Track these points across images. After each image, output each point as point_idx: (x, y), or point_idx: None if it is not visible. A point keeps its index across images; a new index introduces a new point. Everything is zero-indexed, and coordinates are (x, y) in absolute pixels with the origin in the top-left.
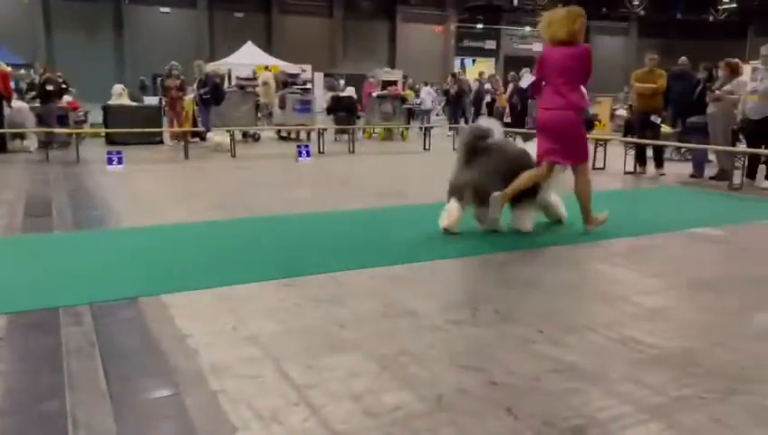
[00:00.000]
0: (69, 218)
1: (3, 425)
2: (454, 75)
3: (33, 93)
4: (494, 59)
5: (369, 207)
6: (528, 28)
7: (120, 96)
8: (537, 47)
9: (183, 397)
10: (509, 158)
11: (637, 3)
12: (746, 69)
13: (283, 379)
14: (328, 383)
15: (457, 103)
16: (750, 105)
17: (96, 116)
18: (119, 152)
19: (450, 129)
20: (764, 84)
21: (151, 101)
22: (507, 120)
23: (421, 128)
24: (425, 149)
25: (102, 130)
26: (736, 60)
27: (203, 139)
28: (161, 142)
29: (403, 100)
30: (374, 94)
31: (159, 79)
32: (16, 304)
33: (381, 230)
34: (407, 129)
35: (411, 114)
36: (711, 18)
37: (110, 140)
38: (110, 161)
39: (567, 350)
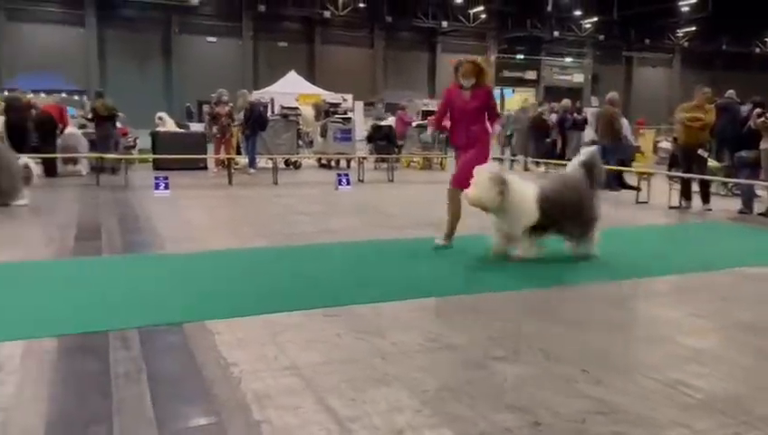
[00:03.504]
0: (117, 242)
1: None
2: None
3: (88, 118)
4: (533, 89)
5: (409, 236)
6: (569, 59)
7: (161, 123)
8: (578, 77)
9: (226, 426)
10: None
11: (681, 34)
12: None
13: (324, 411)
14: (370, 417)
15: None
16: None
17: (144, 142)
18: (165, 178)
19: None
20: None
21: (197, 127)
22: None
23: None
24: None
25: (150, 156)
26: None
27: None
28: (205, 168)
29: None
30: (413, 124)
31: (205, 106)
32: (67, 327)
33: (421, 261)
34: (445, 158)
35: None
36: (758, 50)
37: (157, 165)
38: (156, 186)
39: (612, 391)
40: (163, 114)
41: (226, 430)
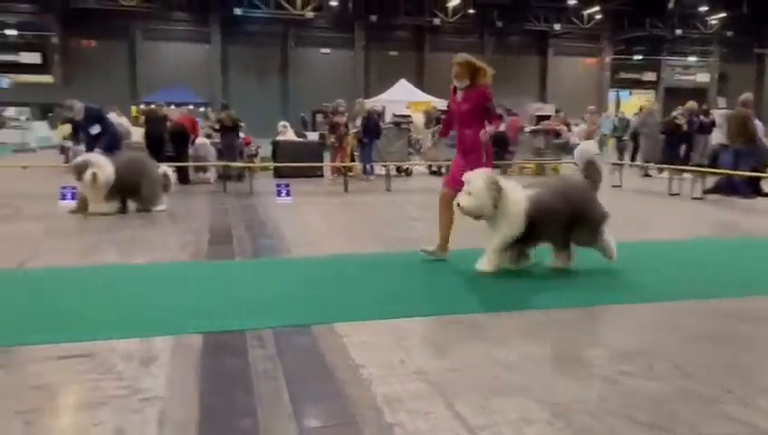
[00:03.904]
0: (247, 246)
1: None
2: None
3: (215, 129)
4: (653, 91)
5: None
6: (693, 58)
7: (283, 132)
8: (702, 77)
9: (361, 427)
10: None
11: None
12: None
13: (455, 418)
14: (500, 427)
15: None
16: None
17: (264, 151)
18: (287, 185)
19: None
20: None
21: (313, 136)
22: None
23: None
24: None
25: (271, 164)
26: None
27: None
28: (321, 176)
29: (557, 134)
30: (527, 129)
31: (320, 115)
32: (209, 325)
33: (543, 270)
34: (559, 164)
35: (564, 149)
36: None
37: (278, 173)
38: (278, 193)
39: (763, 414)
40: (286, 123)
41: (362, 431)
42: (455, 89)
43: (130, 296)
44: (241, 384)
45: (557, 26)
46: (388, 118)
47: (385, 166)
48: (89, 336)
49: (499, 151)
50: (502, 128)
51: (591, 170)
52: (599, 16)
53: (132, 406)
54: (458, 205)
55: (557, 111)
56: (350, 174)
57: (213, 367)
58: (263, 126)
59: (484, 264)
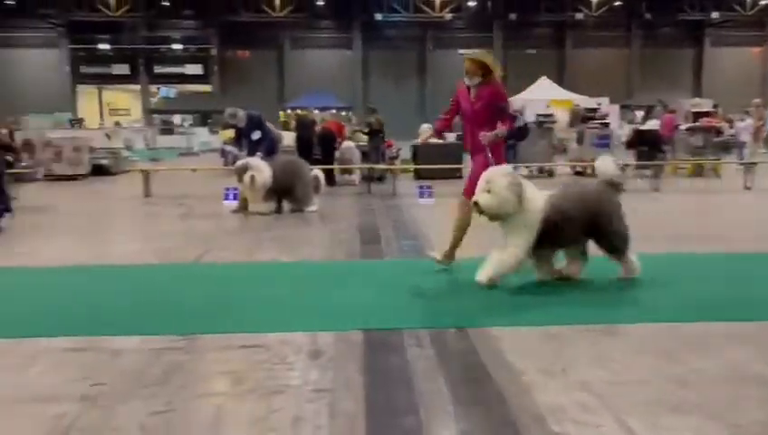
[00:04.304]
0: (395, 246)
1: (370, 430)
2: None
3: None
4: None
5: (683, 251)
6: None
7: (425, 134)
8: None
9: None
10: None
11: None
12: None
13: (626, 433)
14: None
15: None
16: None
17: (403, 153)
18: (429, 187)
19: None
20: None
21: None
22: None
23: (742, 164)
24: (745, 188)
25: (411, 166)
26: None
27: None
28: (460, 177)
29: (717, 132)
30: (683, 127)
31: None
32: (369, 322)
33: (715, 281)
34: (719, 164)
35: (725, 148)
36: None
37: (418, 174)
38: (421, 194)
39: None
40: (430, 125)
41: None
42: (467, 88)
43: (294, 292)
44: (402, 382)
45: (715, 14)
46: (529, 117)
47: (528, 167)
48: (261, 328)
49: (651, 151)
50: (654, 126)
51: (616, 180)
52: (764, 2)
53: (305, 396)
54: (476, 204)
55: (715, 107)
56: None
57: (374, 363)
58: (401, 128)
59: (486, 274)
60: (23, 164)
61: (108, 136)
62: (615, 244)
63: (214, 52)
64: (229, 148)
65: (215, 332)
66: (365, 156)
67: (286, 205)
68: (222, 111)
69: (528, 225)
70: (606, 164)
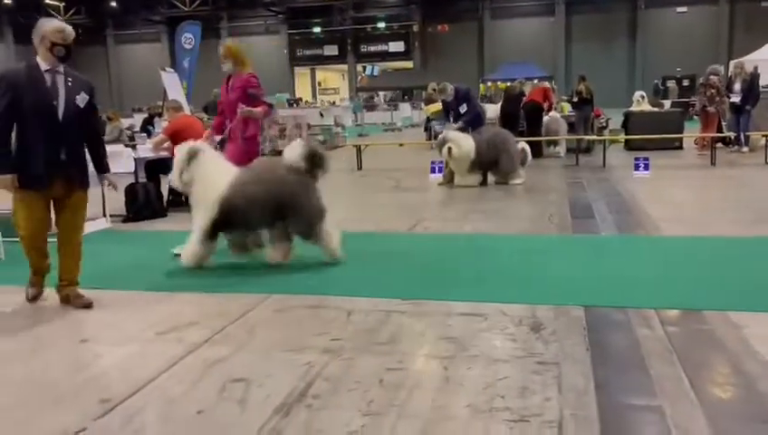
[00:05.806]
0: (610, 221)
1: (603, 408)
2: None
3: (572, 102)
4: None
5: None
6: None
7: (639, 103)
8: None
9: None
10: None
11: None
12: None
13: None
14: None
15: None
16: None
17: (612, 122)
18: (645, 159)
19: None
20: None
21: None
22: None
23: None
24: None
25: (622, 137)
26: None
27: (727, 144)
28: (680, 148)
29: None
30: None
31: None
32: (589, 299)
33: None
34: None
35: None
36: None
37: (629, 145)
38: (636, 167)
39: None
40: (644, 93)
41: None
42: (228, 78)
43: (510, 264)
44: (633, 362)
45: None
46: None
47: (765, 135)
48: (479, 298)
49: None
50: None
51: (316, 159)
52: None
53: (530, 367)
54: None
55: None
56: (719, 146)
57: (600, 340)
58: (609, 96)
59: (189, 255)
60: None
61: (321, 114)
62: (301, 228)
63: (416, 28)
64: (434, 122)
65: (436, 298)
66: (571, 126)
67: (491, 177)
68: (423, 86)
69: (207, 206)
70: (291, 150)
